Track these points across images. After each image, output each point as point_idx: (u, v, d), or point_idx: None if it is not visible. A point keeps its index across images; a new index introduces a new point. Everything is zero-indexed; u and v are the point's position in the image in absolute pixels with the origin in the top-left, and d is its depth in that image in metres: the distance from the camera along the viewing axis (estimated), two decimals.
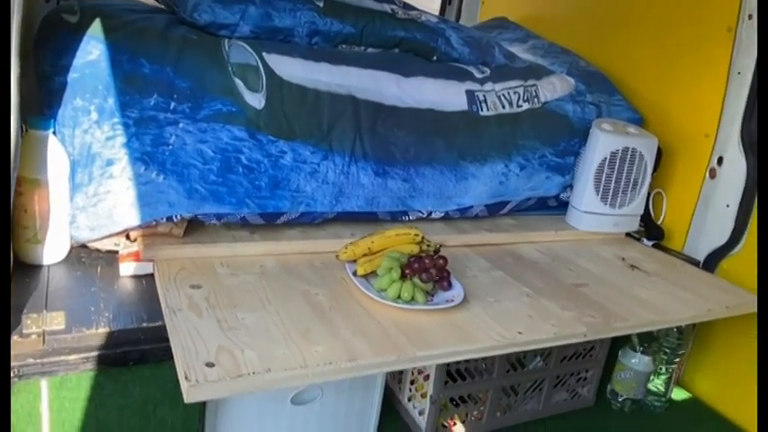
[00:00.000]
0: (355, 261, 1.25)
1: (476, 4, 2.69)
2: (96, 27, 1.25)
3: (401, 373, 1.56)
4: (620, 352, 1.71)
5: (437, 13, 2.77)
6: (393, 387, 1.60)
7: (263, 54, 1.36)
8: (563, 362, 1.61)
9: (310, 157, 1.34)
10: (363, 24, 1.56)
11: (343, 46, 1.57)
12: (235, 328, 0.97)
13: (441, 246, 1.31)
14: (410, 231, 1.30)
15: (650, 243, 1.83)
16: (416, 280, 1.16)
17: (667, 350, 1.70)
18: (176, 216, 1.19)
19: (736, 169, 1.71)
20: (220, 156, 1.23)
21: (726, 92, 1.72)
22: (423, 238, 1.30)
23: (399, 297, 1.13)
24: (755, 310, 1.47)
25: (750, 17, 1.64)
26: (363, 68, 1.49)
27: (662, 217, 1.90)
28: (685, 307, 1.35)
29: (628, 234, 1.85)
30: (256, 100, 1.30)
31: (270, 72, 1.34)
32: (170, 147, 1.19)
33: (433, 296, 1.19)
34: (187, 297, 1.05)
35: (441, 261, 1.23)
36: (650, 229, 1.86)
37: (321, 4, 1.52)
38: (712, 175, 1.78)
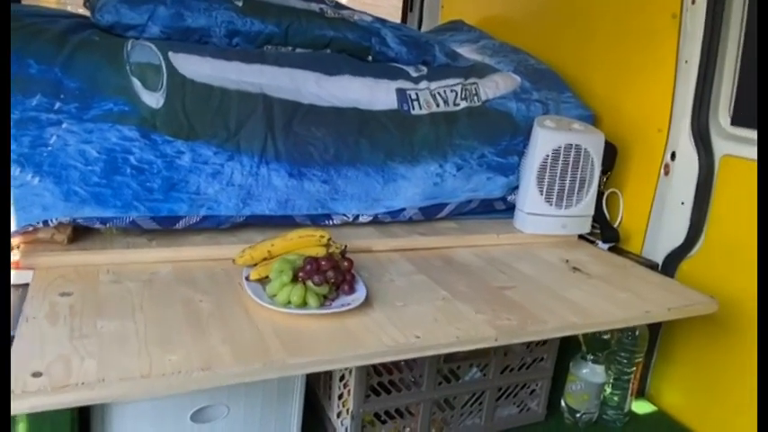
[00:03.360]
0: (255, 265, 1.17)
1: (436, 9, 2.64)
2: None
3: (330, 387, 1.46)
4: (571, 362, 1.60)
5: (399, 19, 2.72)
6: (324, 403, 1.50)
7: (169, 53, 1.31)
8: (504, 372, 1.50)
9: (213, 157, 1.27)
10: (288, 24, 1.50)
11: (269, 47, 1.52)
12: (86, 336, 0.89)
13: (345, 246, 1.23)
14: (315, 233, 1.22)
15: (606, 246, 1.73)
16: (310, 283, 1.07)
17: (622, 359, 1.58)
18: (52, 220, 1.13)
19: (688, 164, 1.61)
20: (105, 156, 1.16)
21: (675, 83, 1.62)
22: (329, 240, 1.22)
23: (290, 302, 1.05)
24: (707, 312, 1.36)
25: (693, 2, 1.55)
26: (281, 67, 1.43)
27: (619, 218, 1.79)
28: (619, 309, 1.24)
29: (582, 237, 1.74)
30: (154, 99, 1.24)
31: (172, 71, 1.28)
32: (49, 148, 1.13)
33: (333, 300, 1.10)
34: (51, 305, 0.98)
35: (346, 264, 1.15)
36: (605, 231, 1.75)
37: (240, 4, 1.46)
38: (666, 171, 1.67)
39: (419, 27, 2.67)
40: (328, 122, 1.43)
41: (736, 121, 1.54)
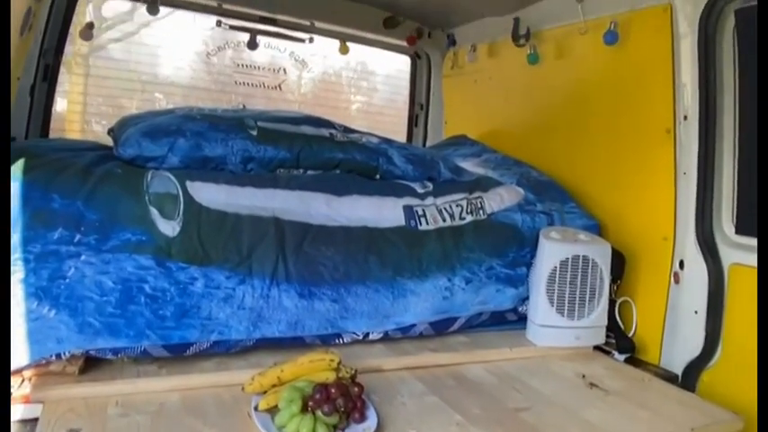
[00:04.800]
0: (265, 393, 1.16)
1: (440, 124, 2.77)
2: (17, 167, 1.28)
3: None
4: None
5: (405, 134, 2.85)
6: None
7: (187, 182, 1.37)
8: None
9: (225, 281, 1.30)
10: (299, 149, 1.59)
11: (281, 170, 1.59)
12: None
13: (356, 371, 1.21)
14: (325, 357, 1.21)
15: (622, 357, 1.69)
16: (319, 413, 1.05)
17: None
18: (65, 353, 1.14)
19: (698, 273, 1.60)
20: (121, 286, 1.19)
21: (676, 193, 1.66)
22: (339, 363, 1.21)
23: None
24: (732, 430, 1.30)
25: (686, 118, 1.63)
26: (292, 190, 1.49)
27: (633, 328, 1.76)
28: (640, 431, 1.20)
29: (597, 348, 1.71)
30: (170, 227, 1.29)
31: (189, 199, 1.34)
32: (67, 280, 1.16)
33: (343, 430, 1.08)
34: None
35: (356, 389, 1.14)
36: (620, 342, 1.72)
37: (255, 133, 1.56)
38: (676, 279, 1.67)
39: (424, 142, 2.79)
40: (338, 242, 1.47)
41: (741, 229, 1.55)
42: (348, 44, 2.56)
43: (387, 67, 3.19)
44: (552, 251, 1.62)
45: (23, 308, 1.13)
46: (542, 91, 2.17)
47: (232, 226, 1.36)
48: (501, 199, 1.79)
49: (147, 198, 1.31)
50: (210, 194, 1.38)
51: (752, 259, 1.50)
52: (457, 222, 1.66)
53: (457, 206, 1.70)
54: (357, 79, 3.41)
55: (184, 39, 2.62)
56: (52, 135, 2.10)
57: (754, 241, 1.51)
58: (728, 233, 1.59)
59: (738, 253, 1.54)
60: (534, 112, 2.24)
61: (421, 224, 1.61)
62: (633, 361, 1.70)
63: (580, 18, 1.85)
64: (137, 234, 1.25)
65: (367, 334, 1.48)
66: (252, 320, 1.32)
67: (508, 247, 1.69)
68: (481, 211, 1.72)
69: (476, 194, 1.76)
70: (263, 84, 2.59)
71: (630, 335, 1.76)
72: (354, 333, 1.46)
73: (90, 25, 2.08)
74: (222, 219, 1.35)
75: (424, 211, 1.63)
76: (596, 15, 1.82)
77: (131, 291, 1.20)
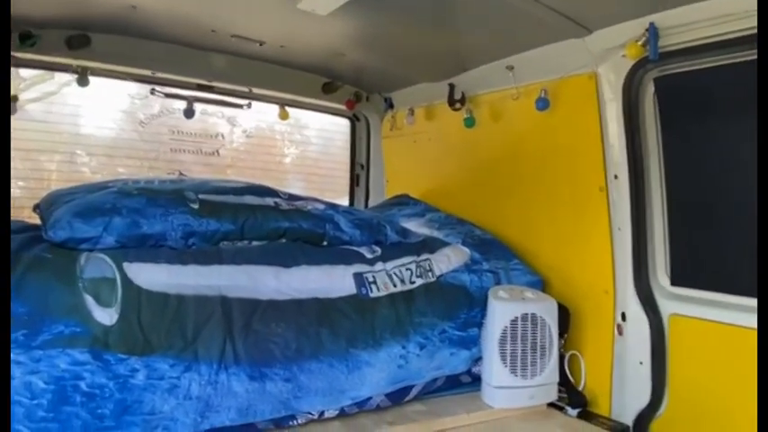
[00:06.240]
0: None
1: (381, 183, 2.80)
2: None
3: None
4: None
5: (347, 194, 2.86)
6: None
7: (124, 264, 1.30)
8: None
9: (169, 371, 1.22)
10: (243, 220, 1.55)
11: (225, 243, 1.54)
12: None
13: None
14: None
15: (575, 412, 1.71)
16: None
17: None
18: None
19: (639, 324, 1.66)
20: (54, 386, 1.09)
21: (613, 248, 1.73)
22: None
23: None
24: None
25: (616, 176, 1.71)
26: (238, 265, 1.44)
27: (582, 381, 1.79)
28: None
29: (551, 404, 1.72)
30: (107, 316, 1.21)
31: (127, 283, 1.27)
32: None
33: None
34: None
35: None
36: (572, 397, 1.74)
37: (196, 206, 1.50)
38: (620, 331, 1.72)
39: (366, 201, 2.80)
40: (288, 316, 1.42)
41: (676, 281, 1.63)
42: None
43: (320, 121, 3.20)
44: (502, 311, 1.64)
45: None
46: (480, 152, 2.24)
47: (175, 309, 1.29)
48: (448, 260, 1.80)
49: (81, 285, 1.23)
50: (151, 275, 1.31)
51: (690, 310, 1.57)
52: (408, 287, 1.66)
53: (407, 270, 1.69)
54: (290, 133, 3.39)
55: (110, 99, 2.52)
56: None
57: (691, 292, 1.58)
58: (664, 285, 1.66)
59: (676, 304, 1.61)
60: (473, 171, 2.30)
61: (372, 291, 1.59)
62: (586, 414, 1.71)
63: (512, 84, 1.94)
64: (70, 326, 1.16)
65: (322, 412, 1.43)
66: (199, 411, 1.24)
67: (459, 309, 1.70)
68: (430, 274, 1.73)
69: (424, 256, 1.76)
70: (201, 150, 2.53)
71: (581, 388, 1.78)
72: (309, 413, 1.40)
73: (14, 98, 1.98)
74: (164, 301, 1.29)
75: (374, 277, 1.62)
76: (527, 82, 1.92)
77: (65, 390, 1.10)
